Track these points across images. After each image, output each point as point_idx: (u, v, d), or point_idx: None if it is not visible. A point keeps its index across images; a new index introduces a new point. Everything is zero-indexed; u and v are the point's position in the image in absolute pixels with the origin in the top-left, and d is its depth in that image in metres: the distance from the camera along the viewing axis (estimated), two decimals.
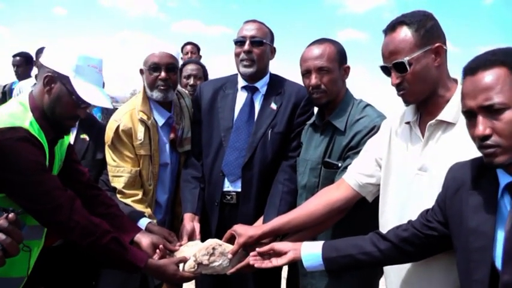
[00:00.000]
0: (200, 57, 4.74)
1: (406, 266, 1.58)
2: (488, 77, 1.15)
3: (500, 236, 1.18)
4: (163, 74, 2.21)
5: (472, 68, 1.19)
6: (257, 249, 1.77)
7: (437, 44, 1.50)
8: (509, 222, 1.16)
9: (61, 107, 1.65)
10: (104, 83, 2.55)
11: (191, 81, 3.36)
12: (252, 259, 1.76)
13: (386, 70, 1.58)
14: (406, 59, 1.48)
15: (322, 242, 1.62)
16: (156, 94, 2.25)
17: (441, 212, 1.38)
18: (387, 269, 1.71)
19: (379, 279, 2.09)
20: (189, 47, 4.64)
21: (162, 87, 2.23)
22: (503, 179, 1.20)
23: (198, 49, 4.77)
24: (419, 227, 1.43)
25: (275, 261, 1.70)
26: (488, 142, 1.15)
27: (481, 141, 1.16)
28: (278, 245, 1.72)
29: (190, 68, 3.46)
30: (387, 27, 1.57)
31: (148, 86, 2.26)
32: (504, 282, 1.14)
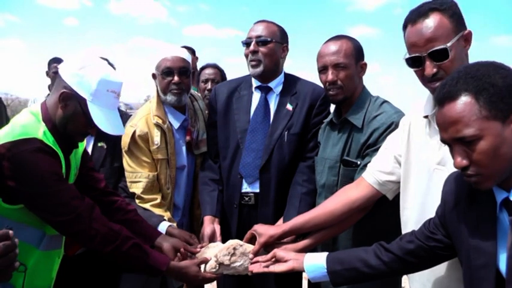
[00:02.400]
0: (197, 58, 4.78)
1: None
2: (454, 109, 1.13)
3: (503, 251, 1.17)
4: (176, 78, 2.26)
5: (440, 100, 1.18)
6: (259, 258, 1.80)
7: (467, 30, 1.49)
8: (510, 239, 1.14)
9: (74, 125, 1.67)
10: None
11: (209, 85, 3.39)
12: (252, 265, 1.80)
13: (415, 61, 1.52)
14: (448, 45, 1.44)
15: (326, 253, 1.63)
16: (170, 98, 2.30)
17: (442, 226, 1.38)
18: None
19: (401, 276, 2.09)
20: None
21: (175, 91, 2.28)
22: (499, 194, 1.19)
23: (193, 52, 4.79)
24: (423, 239, 1.42)
25: (272, 267, 1.73)
26: (468, 172, 1.15)
27: (461, 171, 1.17)
28: (280, 253, 1.74)
29: (208, 72, 3.51)
30: (417, 15, 1.50)
31: (161, 90, 2.31)
32: None
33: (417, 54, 1.50)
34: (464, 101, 1.12)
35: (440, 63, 1.47)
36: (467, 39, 1.50)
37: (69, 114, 1.65)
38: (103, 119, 1.64)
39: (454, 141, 1.15)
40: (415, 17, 1.51)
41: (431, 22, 1.47)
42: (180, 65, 2.28)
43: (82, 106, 1.63)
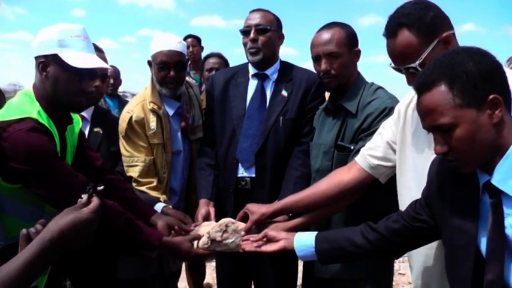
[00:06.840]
0: (202, 48, 4.87)
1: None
2: (430, 99, 1.21)
3: (484, 232, 1.24)
4: (172, 73, 2.37)
5: (417, 90, 1.26)
6: (250, 237, 1.90)
7: (444, 34, 1.51)
8: (490, 221, 1.21)
9: (62, 85, 1.74)
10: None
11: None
12: (243, 243, 1.89)
13: (398, 71, 1.62)
14: (417, 64, 1.50)
15: (316, 232, 1.72)
16: (165, 90, 2.42)
17: (428, 207, 1.44)
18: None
19: (393, 260, 2.18)
20: (189, 40, 4.74)
21: (171, 85, 2.40)
22: (482, 177, 1.25)
23: (199, 41, 4.89)
24: (409, 219, 1.49)
25: (264, 248, 1.83)
26: (448, 158, 1.24)
27: (442, 157, 1.26)
28: (271, 233, 1.84)
29: (212, 62, 3.63)
30: (387, 32, 1.58)
31: (157, 81, 2.43)
32: (488, 281, 1.21)
33: (398, 67, 1.60)
34: (438, 90, 1.19)
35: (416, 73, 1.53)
36: (446, 41, 1.51)
37: (54, 79, 1.73)
38: (80, 60, 1.71)
39: (432, 129, 1.24)
40: (386, 32, 1.59)
41: (399, 42, 1.54)
42: (176, 59, 2.37)
43: (59, 63, 1.71)
